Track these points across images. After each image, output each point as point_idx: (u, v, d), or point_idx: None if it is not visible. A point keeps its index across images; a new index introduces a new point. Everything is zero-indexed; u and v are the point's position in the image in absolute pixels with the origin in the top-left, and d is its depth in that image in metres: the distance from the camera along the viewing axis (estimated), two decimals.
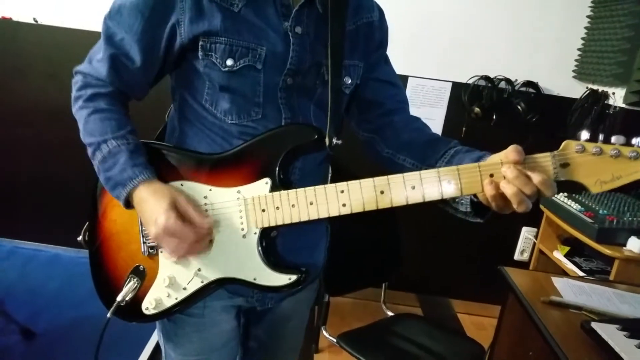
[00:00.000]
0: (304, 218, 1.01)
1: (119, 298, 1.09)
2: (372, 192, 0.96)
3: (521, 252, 3.14)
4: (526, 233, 3.11)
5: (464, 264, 3.19)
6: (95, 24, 2.79)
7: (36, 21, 2.88)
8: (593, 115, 2.64)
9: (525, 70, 2.81)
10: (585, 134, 0.90)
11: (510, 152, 0.89)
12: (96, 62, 1.07)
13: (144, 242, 1.11)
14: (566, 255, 2.47)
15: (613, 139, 0.88)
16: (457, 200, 1.01)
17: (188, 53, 1.04)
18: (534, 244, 3.05)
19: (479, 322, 3.14)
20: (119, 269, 1.13)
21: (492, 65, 2.81)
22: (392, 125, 1.17)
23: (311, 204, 1.00)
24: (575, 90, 2.79)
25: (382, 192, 0.96)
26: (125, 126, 1.06)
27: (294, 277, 1.05)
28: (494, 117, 2.83)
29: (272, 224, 1.03)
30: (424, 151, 1.09)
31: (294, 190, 1.01)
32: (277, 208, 1.02)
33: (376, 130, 1.19)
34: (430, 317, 2.97)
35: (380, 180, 0.96)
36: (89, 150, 1.06)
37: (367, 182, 0.97)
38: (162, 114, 1.26)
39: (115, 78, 1.06)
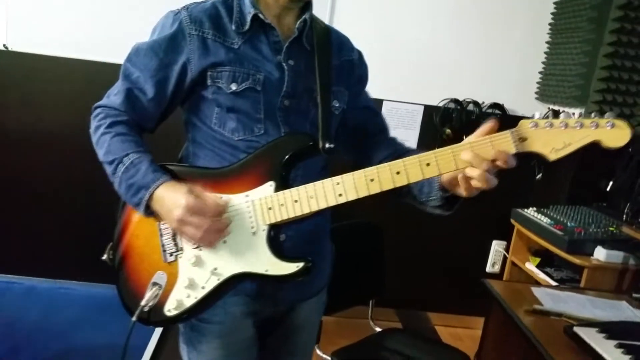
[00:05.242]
0: (306, 211, 1.13)
1: (142, 302, 1.19)
2: (363, 181, 1.09)
3: (492, 264, 3.29)
4: (496, 246, 3.26)
5: (439, 277, 3.31)
6: (66, 50, 2.82)
7: (6, 48, 2.85)
8: None
9: (492, 93, 2.99)
10: (537, 114, 1.05)
11: (483, 126, 1.06)
12: (113, 96, 1.24)
13: (164, 251, 1.21)
14: (538, 266, 2.62)
15: (561, 115, 1.03)
16: (430, 197, 1.17)
17: (197, 86, 1.21)
18: (504, 256, 3.21)
19: (455, 334, 3.25)
20: (142, 279, 1.23)
21: (460, 89, 2.98)
22: (374, 146, 1.34)
23: (311, 197, 1.13)
24: (538, 110, 2.98)
25: (372, 180, 1.09)
26: (144, 145, 1.21)
27: (301, 265, 1.15)
28: (464, 138, 2.96)
29: (278, 219, 1.15)
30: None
31: (296, 188, 1.14)
32: (282, 205, 1.14)
33: (362, 152, 1.35)
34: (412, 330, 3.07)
35: (369, 170, 1.10)
36: (110, 168, 1.18)
37: (358, 173, 1.10)
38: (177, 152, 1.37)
39: (129, 107, 1.21)
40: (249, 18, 1.19)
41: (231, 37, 1.19)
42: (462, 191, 1.07)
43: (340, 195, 1.11)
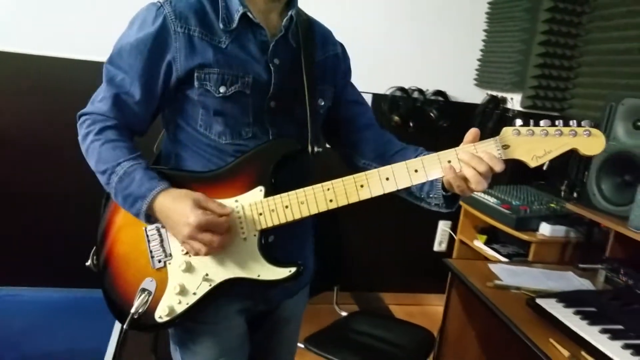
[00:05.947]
0: (297, 216, 1.14)
1: (132, 310, 1.17)
2: (353, 187, 1.12)
3: (439, 243, 3.46)
4: (442, 226, 3.43)
5: (389, 258, 3.43)
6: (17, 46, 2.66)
7: None
8: (494, 118, 3.00)
9: (434, 80, 3.12)
10: (519, 121, 1.09)
11: (467, 134, 1.10)
12: (97, 102, 1.18)
13: (152, 257, 1.19)
14: (485, 243, 2.78)
15: (541, 122, 1.09)
16: (431, 195, 1.20)
17: (183, 85, 1.16)
18: (450, 235, 3.38)
19: (408, 311, 3.38)
20: (130, 285, 1.21)
21: (406, 77, 3.09)
22: (365, 140, 1.35)
23: (302, 203, 1.13)
24: (477, 96, 3.14)
25: (361, 186, 1.12)
26: (136, 151, 1.17)
27: (293, 269, 1.16)
28: (411, 124, 3.10)
29: (269, 225, 1.15)
30: (395, 160, 1.24)
31: (286, 193, 1.14)
32: (272, 210, 1.14)
33: (352, 145, 1.36)
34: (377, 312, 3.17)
35: (358, 176, 1.12)
36: (104, 178, 1.15)
37: (348, 179, 1.12)
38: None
39: (117, 113, 1.17)
40: (236, 16, 1.14)
41: (218, 35, 1.14)
42: (455, 189, 1.10)
43: (331, 201, 1.13)
